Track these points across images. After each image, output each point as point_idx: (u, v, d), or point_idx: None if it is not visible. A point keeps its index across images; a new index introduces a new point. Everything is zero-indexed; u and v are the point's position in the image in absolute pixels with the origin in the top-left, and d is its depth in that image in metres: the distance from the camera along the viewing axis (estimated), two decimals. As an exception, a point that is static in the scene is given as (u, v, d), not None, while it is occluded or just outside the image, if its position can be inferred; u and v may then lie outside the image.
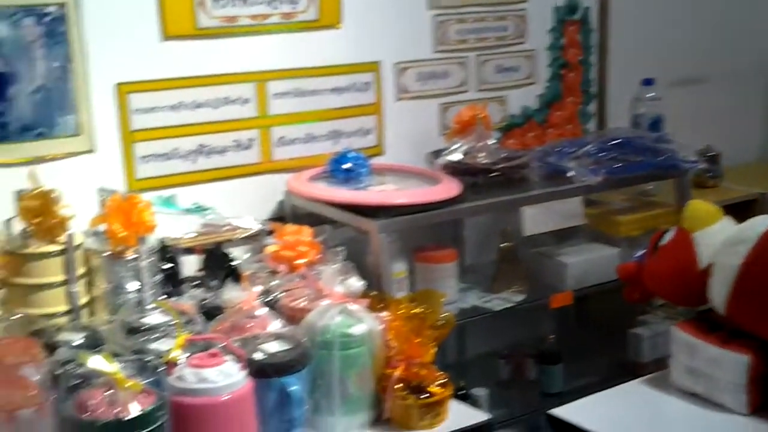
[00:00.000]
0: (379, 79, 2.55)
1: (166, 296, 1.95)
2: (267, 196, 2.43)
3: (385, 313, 1.84)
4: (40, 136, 2.06)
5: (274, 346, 1.72)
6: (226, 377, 1.57)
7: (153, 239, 2.00)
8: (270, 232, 2.24)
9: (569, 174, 2.45)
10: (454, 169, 2.42)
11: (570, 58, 2.91)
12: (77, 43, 2.08)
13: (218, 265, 2.13)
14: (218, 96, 2.31)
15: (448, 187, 2.31)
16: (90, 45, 2.10)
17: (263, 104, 2.39)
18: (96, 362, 1.44)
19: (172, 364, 1.59)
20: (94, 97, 2.13)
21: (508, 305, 2.47)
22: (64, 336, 1.73)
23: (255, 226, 2.31)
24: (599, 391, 1.99)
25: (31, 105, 2.05)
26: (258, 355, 1.68)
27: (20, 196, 1.89)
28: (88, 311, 1.97)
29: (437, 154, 2.51)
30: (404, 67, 2.59)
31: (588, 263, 2.58)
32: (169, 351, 1.62)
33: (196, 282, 2.10)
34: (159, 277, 2.00)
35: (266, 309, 1.83)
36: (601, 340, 2.82)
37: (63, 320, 1.88)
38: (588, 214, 2.63)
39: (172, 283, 2.06)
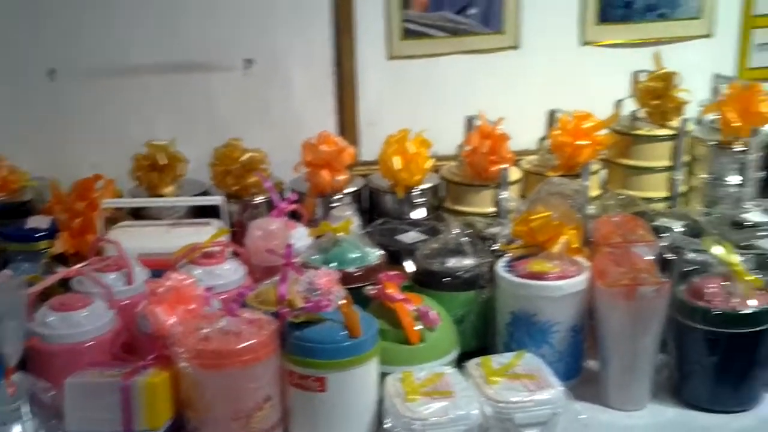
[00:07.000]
0: None
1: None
2: None
3: None
4: (662, 16, 2.02)
5: None
6: None
7: (764, 132, 1.88)
8: None
9: None
10: None
11: None
12: None
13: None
14: None
15: None
16: None
17: None
18: (719, 251, 1.39)
19: (789, 266, 1.49)
20: (721, -23, 2.03)
21: None
22: (662, 221, 1.72)
23: None
24: None
25: (659, -16, 2.02)
26: None
27: (640, 77, 1.90)
28: (684, 200, 1.93)
29: None
30: None
31: None
32: (786, 252, 1.52)
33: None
34: (761, 173, 1.90)
35: None
36: None
37: (660, 206, 1.88)
38: None
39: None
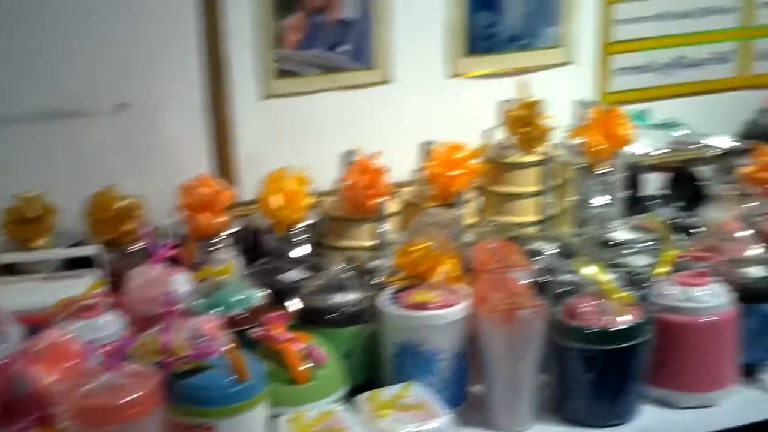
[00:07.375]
0: None
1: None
2: (738, 114, 2.27)
3: None
4: (524, 47, 2.10)
5: (756, 271, 1.62)
6: (715, 298, 1.51)
7: (626, 154, 1.98)
8: (742, 152, 2.10)
9: None
10: None
11: None
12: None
13: (684, 185, 2.06)
14: (702, 6, 2.19)
15: None
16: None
17: (749, 14, 2.23)
18: (589, 271, 1.46)
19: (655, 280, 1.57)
20: (581, 7, 2.12)
21: None
22: (535, 245, 1.78)
23: (726, 145, 2.18)
24: None
25: (520, 16, 2.07)
26: (741, 279, 1.59)
27: (507, 106, 1.96)
28: (555, 223, 2.00)
29: None
30: None
31: None
32: (652, 266, 1.59)
33: (657, 200, 2.05)
34: (625, 193, 1.99)
35: (749, 232, 1.72)
36: None
37: (532, 230, 1.94)
38: None
39: (634, 200, 2.03)
